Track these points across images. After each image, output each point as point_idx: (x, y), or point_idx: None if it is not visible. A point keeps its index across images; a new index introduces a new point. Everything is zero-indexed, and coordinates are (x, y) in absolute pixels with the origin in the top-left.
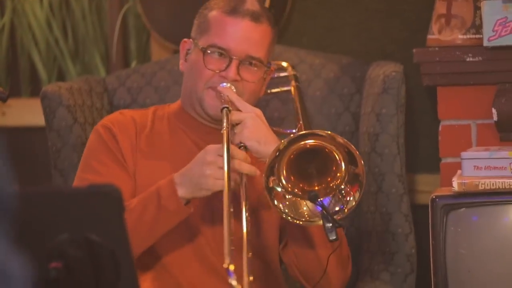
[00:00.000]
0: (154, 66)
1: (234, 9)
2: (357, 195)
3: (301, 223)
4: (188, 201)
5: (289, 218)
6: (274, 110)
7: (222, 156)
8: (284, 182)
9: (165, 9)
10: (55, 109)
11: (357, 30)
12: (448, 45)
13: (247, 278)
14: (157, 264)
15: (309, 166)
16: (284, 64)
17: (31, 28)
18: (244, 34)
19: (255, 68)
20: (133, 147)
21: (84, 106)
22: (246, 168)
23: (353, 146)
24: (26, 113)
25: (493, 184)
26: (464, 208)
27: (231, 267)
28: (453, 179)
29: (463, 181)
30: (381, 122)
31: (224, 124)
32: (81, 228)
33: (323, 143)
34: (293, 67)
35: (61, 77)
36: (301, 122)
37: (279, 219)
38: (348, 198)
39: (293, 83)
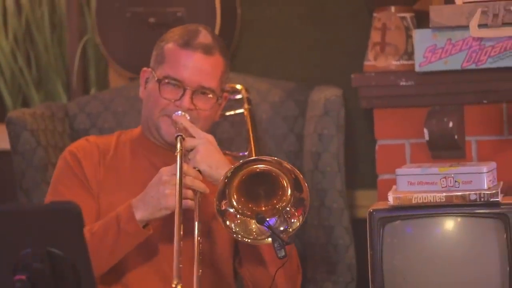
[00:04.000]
0: (112, 93)
1: (187, 43)
2: (301, 217)
3: (249, 241)
4: (146, 224)
5: (239, 237)
6: (224, 131)
7: (176, 174)
8: (235, 203)
9: (122, 40)
10: (19, 133)
11: (300, 58)
12: (383, 70)
13: None
14: (117, 283)
15: (257, 188)
16: (238, 87)
17: None
18: (196, 66)
19: (208, 96)
20: (96, 172)
21: (47, 130)
22: (198, 185)
23: (298, 172)
24: None
25: (425, 198)
26: (399, 221)
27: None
28: (388, 194)
29: (398, 195)
30: (323, 142)
31: (178, 148)
32: (44, 243)
33: (269, 167)
34: (246, 90)
35: (26, 104)
36: (251, 145)
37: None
38: (292, 220)
39: (245, 105)
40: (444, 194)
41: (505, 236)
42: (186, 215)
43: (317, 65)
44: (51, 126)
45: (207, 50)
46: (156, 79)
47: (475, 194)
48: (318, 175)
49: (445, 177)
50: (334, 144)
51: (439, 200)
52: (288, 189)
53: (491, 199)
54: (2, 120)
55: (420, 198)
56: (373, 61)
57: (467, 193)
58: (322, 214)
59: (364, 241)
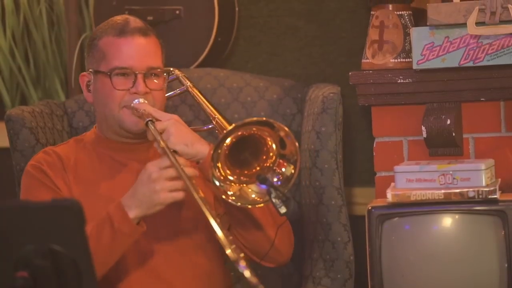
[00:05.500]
0: None
1: (122, 31)
2: (291, 165)
3: (262, 205)
4: (139, 220)
5: (249, 206)
6: (182, 115)
7: (164, 169)
8: (231, 177)
9: None
10: (18, 131)
11: (298, 55)
12: (380, 68)
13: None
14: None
15: (243, 153)
16: (171, 68)
17: None
18: (139, 50)
19: (158, 77)
20: (65, 180)
21: (46, 128)
22: (189, 171)
23: (280, 125)
24: None
25: (423, 195)
26: (397, 218)
27: (243, 262)
28: (387, 191)
29: (397, 192)
30: (321, 139)
31: (157, 136)
32: (45, 240)
33: (250, 131)
34: (179, 69)
35: (24, 102)
36: (216, 113)
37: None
38: (282, 169)
39: (187, 83)
40: (443, 191)
41: (503, 233)
42: (174, 204)
43: (314, 63)
44: (50, 123)
45: (143, 32)
46: (104, 73)
47: (473, 191)
48: (316, 172)
49: (443, 174)
50: (332, 142)
51: (437, 197)
52: (272, 143)
53: (489, 196)
54: (1, 118)
55: (418, 195)
56: (371, 58)
57: (465, 190)
58: (321, 211)
59: (361, 238)
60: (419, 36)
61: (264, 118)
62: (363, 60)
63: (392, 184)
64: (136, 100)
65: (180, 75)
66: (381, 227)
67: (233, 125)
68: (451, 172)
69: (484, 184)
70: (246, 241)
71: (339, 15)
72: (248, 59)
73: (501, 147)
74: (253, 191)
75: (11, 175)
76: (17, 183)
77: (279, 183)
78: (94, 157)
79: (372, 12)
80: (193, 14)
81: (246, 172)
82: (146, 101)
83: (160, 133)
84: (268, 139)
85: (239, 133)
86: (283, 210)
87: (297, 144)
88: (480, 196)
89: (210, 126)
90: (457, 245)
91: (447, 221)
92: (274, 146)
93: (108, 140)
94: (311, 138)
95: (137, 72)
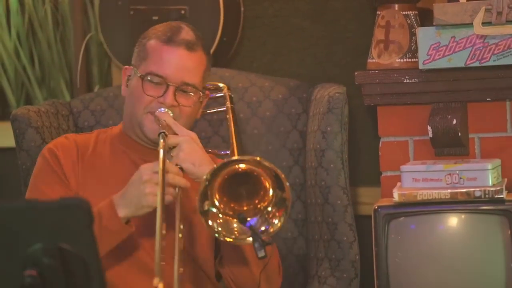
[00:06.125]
0: (116, 90)
1: (170, 39)
2: (282, 218)
3: (231, 240)
4: (128, 220)
5: (221, 236)
6: (201, 130)
7: (157, 173)
8: (217, 203)
9: (124, 37)
10: (24, 131)
11: (303, 55)
12: (386, 68)
13: None
14: None
15: (239, 188)
16: (221, 85)
17: (0, 57)
18: (179, 62)
19: (191, 94)
20: (75, 169)
21: (51, 128)
22: (179, 181)
23: (279, 171)
24: None
25: (430, 194)
26: (403, 217)
27: (160, 286)
28: (393, 190)
29: (403, 192)
30: (327, 139)
31: (160, 150)
32: (54, 238)
33: (251, 167)
34: (228, 88)
35: (29, 102)
36: (233, 144)
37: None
38: (274, 220)
39: (228, 104)
40: (449, 190)
41: (509, 232)
42: (167, 210)
43: (320, 63)
44: (55, 123)
45: (190, 46)
46: (139, 75)
47: (480, 190)
48: (322, 172)
49: (449, 174)
50: (338, 141)
51: (443, 197)
52: (269, 189)
53: (496, 196)
54: (6, 118)
55: (424, 195)
56: (377, 58)
57: (472, 189)
58: (326, 211)
59: (366, 238)
60: (425, 36)
61: (255, 158)
62: (369, 60)
63: (399, 183)
64: (161, 109)
65: (227, 94)
66: (387, 227)
67: (228, 159)
68: (457, 171)
69: (490, 183)
70: (234, 275)
71: (344, 15)
72: (253, 59)
73: (507, 147)
74: (237, 224)
75: (17, 175)
76: (23, 183)
77: (262, 229)
78: (111, 151)
79: (378, 12)
80: (198, 14)
81: (232, 205)
82: (170, 113)
83: (172, 147)
84: (267, 182)
85: (239, 167)
86: (261, 254)
87: (288, 185)
88: (487, 196)
89: (227, 152)
90: (463, 245)
91: (453, 220)
92: (271, 191)
93: (129, 138)
94: (317, 137)
95: (170, 83)
